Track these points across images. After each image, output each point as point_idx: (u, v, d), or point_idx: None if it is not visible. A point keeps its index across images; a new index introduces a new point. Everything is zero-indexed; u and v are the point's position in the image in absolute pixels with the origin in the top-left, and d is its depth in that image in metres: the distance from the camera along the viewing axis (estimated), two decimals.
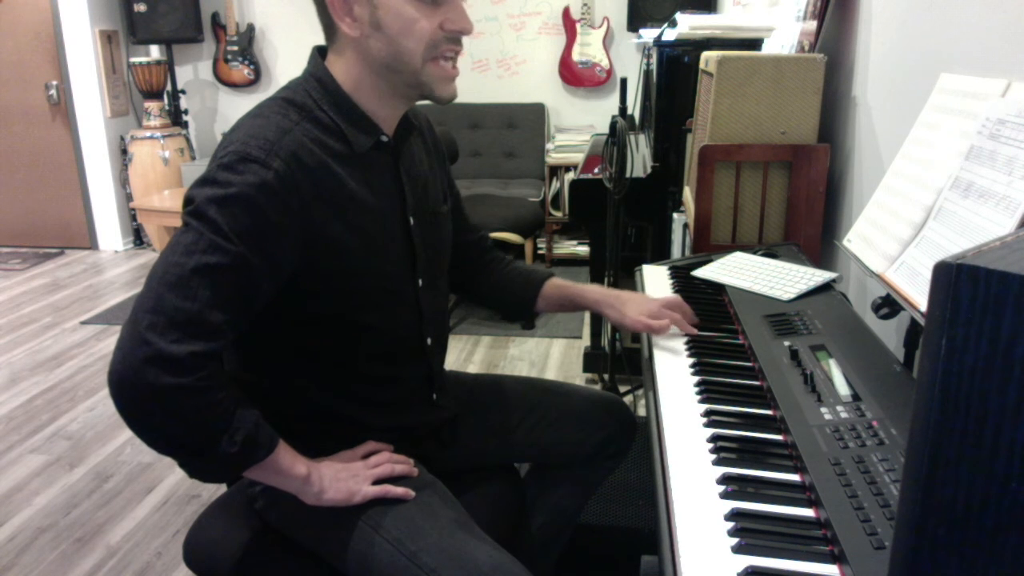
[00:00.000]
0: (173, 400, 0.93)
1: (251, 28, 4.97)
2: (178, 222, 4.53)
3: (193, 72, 5.16)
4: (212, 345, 0.95)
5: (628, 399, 2.72)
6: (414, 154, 1.23)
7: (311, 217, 1.05)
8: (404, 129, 1.20)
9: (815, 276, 1.42)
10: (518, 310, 1.46)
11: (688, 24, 2.27)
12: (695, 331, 1.29)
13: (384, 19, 1.05)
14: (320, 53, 1.15)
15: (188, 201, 1.00)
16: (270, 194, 1.00)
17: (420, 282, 1.22)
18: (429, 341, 1.26)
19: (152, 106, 4.83)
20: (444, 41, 1.08)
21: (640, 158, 2.85)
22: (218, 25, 4.96)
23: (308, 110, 1.09)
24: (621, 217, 2.42)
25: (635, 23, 4.50)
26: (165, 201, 4.08)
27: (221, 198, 0.98)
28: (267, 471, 1.04)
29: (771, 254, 1.61)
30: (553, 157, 4.49)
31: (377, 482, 1.12)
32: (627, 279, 2.07)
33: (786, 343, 1.18)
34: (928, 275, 0.78)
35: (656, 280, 1.58)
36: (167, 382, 0.92)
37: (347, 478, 1.10)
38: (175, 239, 0.98)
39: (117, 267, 4.65)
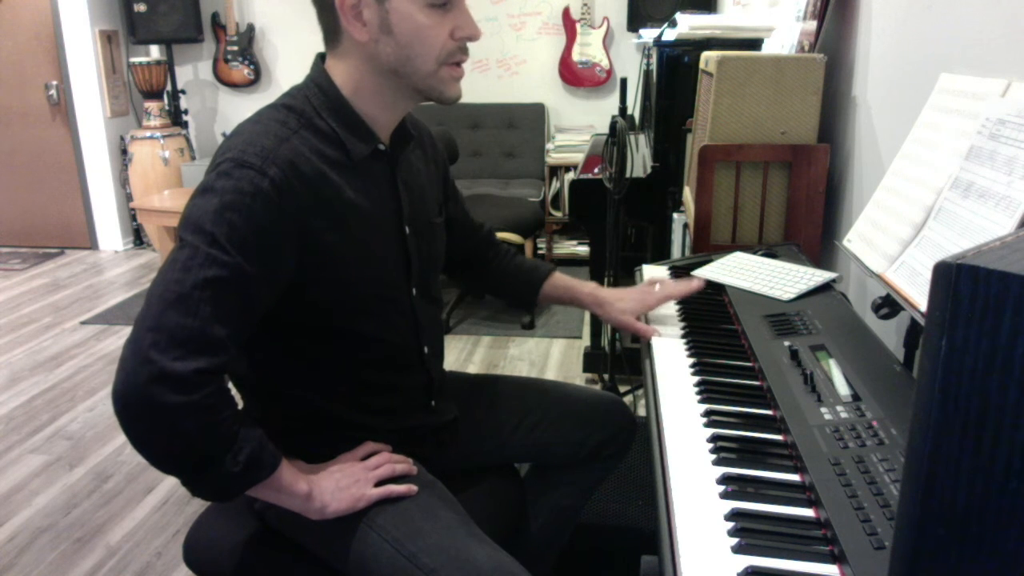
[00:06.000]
0: (179, 419, 0.93)
1: (251, 28, 4.97)
2: (177, 222, 4.52)
3: (193, 72, 5.16)
4: (216, 360, 0.95)
5: (628, 399, 2.72)
6: (412, 163, 1.24)
7: (307, 225, 1.04)
8: (401, 138, 1.19)
9: (815, 276, 1.42)
10: (522, 301, 1.52)
11: (688, 24, 2.27)
12: (690, 289, 1.37)
13: (395, 25, 1.04)
14: (322, 59, 1.14)
15: (186, 216, 1.00)
16: (266, 201, 0.99)
17: (414, 291, 1.22)
18: (426, 350, 1.26)
19: (152, 106, 4.83)
20: (456, 49, 1.09)
21: (640, 158, 2.85)
22: (218, 25, 4.96)
23: (307, 117, 1.09)
24: (621, 217, 2.42)
25: (635, 23, 4.50)
26: (165, 201, 4.07)
27: (217, 208, 0.97)
28: (269, 489, 1.04)
29: (771, 254, 1.61)
30: (553, 157, 4.49)
31: (379, 483, 1.12)
32: (627, 279, 2.07)
33: (786, 343, 1.18)
34: (928, 275, 0.78)
35: None
36: (173, 400, 0.91)
37: (349, 485, 1.10)
38: (172, 256, 0.98)
39: (117, 267, 4.65)
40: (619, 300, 1.40)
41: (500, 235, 3.69)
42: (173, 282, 0.95)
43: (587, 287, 1.46)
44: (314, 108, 1.10)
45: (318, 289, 1.09)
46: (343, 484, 1.09)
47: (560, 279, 1.48)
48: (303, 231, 1.04)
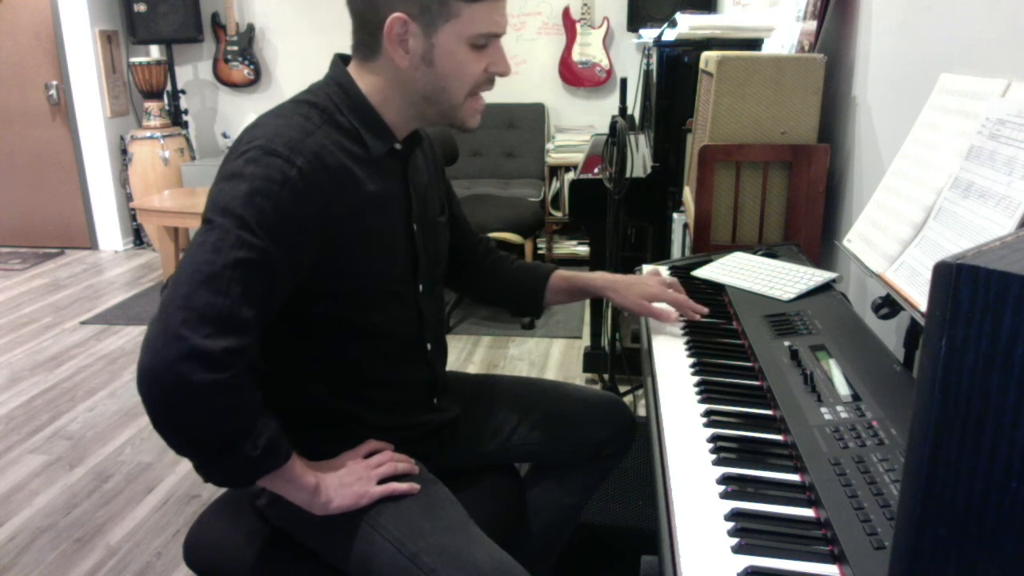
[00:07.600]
0: (206, 397, 0.93)
1: (251, 28, 4.97)
2: (178, 222, 4.45)
3: (193, 72, 5.16)
4: (243, 341, 0.96)
5: (628, 399, 2.72)
6: (417, 163, 1.26)
7: (329, 216, 1.06)
8: (412, 140, 1.22)
9: (815, 276, 1.42)
10: (528, 305, 1.49)
11: (688, 24, 2.27)
12: (696, 311, 1.34)
13: (438, 58, 1.08)
14: (342, 59, 1.16)
15: (214, 199, 1.01)
16: (293, 190, 1.01)
17: (420, 287, 1.24)
18: (429, 346, 1.27)
19: (152, 106, 4.83)
20: (484, 82, 1.13)
21: (640, 158, 2.85)
22: (218, 25, 4.96)
23: (329, 113, 1.11)
24: (621, 217, 2.42)
25: (635, 23, 4.50)
26: (165, 201, 4.07)
27: (247, 193, 0.99)
28: (280, 479, 1.04)
29: (771, 254, 1.61)
30: (553, 157, 4.49)
31: (381, 481, 1.12)
32: None
33: (786, 343, 1.18)
34: (928, 275, 0.78)
35: None
36: (202, 378, 0.92)
37: (352, 482, 1.10)
38: (201, 237, 0.98)
39: (117, 267, 4.65)
40: (635, 284, 1.39)
41: (500, 235, 3.70)
42: (203, 262, 0.95)
43: (597, 275, 1.44)
44: (335, 105, 1.12)
45: (330, 279, 1.11)
46: (347, 481, 1.10)
47: (564, 273, 1.46)
48: (325, 222, 1.06)
